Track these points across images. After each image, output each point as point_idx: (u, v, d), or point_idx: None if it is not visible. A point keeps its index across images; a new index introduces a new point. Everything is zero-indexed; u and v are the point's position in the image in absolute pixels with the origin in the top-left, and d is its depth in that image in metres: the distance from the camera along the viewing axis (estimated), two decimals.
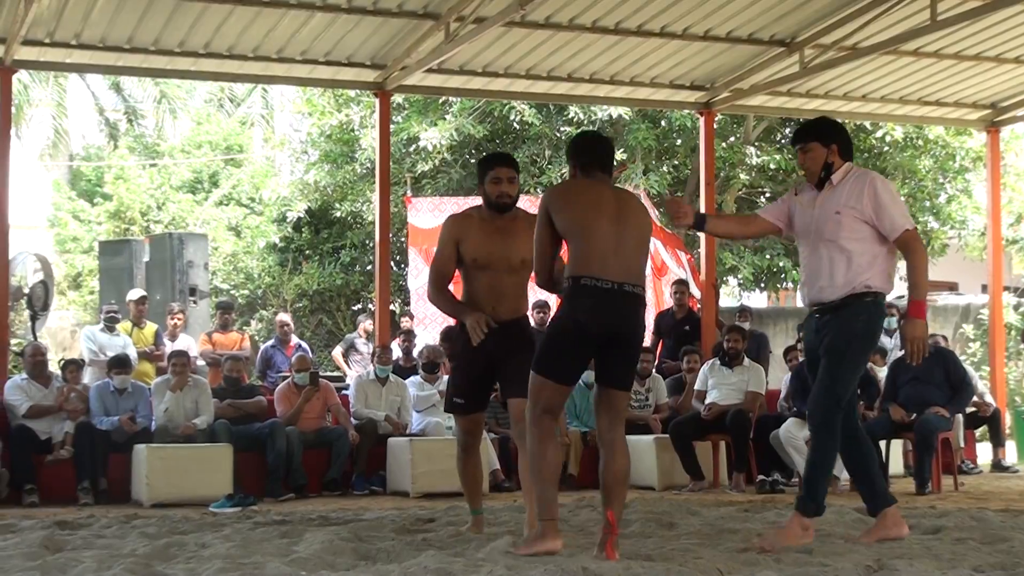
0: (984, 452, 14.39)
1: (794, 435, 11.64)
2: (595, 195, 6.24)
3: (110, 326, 13.56)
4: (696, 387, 12.59)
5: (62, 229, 26.50)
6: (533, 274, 6.54)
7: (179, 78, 23.38)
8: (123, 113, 31.59)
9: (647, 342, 14.12)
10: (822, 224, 6.62)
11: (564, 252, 6.35)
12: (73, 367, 12.21)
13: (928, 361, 11.51)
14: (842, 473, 11.63)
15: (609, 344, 6.10)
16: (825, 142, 6.68)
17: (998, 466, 13.77)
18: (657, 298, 17.31)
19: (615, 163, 6.71)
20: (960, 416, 12.53)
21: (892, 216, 6.53)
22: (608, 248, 6.09)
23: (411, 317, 16.03)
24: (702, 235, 15.27)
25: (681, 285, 14.87)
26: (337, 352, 16.14)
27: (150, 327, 14.15)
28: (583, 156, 6.42)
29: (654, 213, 18.73)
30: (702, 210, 15.17)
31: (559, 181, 18.54)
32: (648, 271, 18.05)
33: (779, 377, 13.42)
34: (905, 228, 6.55)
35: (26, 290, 15.83)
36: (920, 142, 19.68)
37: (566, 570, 5.27)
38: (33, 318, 15.80)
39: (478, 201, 18.06)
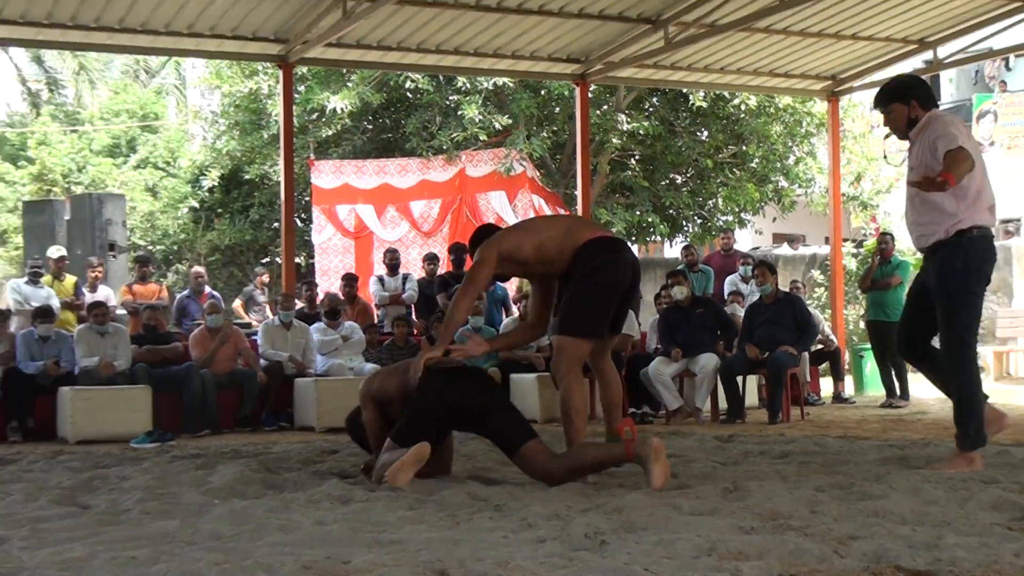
0: (826, 386, 14.68)
1: (661, 372, 11.79)
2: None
3: (34, 279, 13.38)
4: None
5: None
6: None
7: (95, 51, 22.98)
8: (44, 83, 31.02)
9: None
10: (910, 178, 6.31)
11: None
12: (1, 317, 11.99)
13: (778, 305, 11.76)
14: (705, 404, 11.84)
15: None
16: (904, 99, 6.35)
17: (838, 398, 14.04)
18: None
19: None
20: (806, 354, 12.76)
21: (942, 144, 6.04)
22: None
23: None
24: (579, 193, 15.34)
25: None
26: (237, 304, 16.00)
27: (70, 280, 14.01)
28: None
29: (535, 174, 18.80)
30: (578, 168, 15.27)
31: (448, 147, 18.50)
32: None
33: (648, 320, 13.54)
34: (948, 147, 5.98)
35: None
36: (772, 110, 19.90)
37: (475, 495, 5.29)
38: None
39: (376, 163, 17.99)
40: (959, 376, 6.34)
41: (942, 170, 5.92)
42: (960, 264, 6.20)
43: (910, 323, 6.62)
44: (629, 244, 6.29)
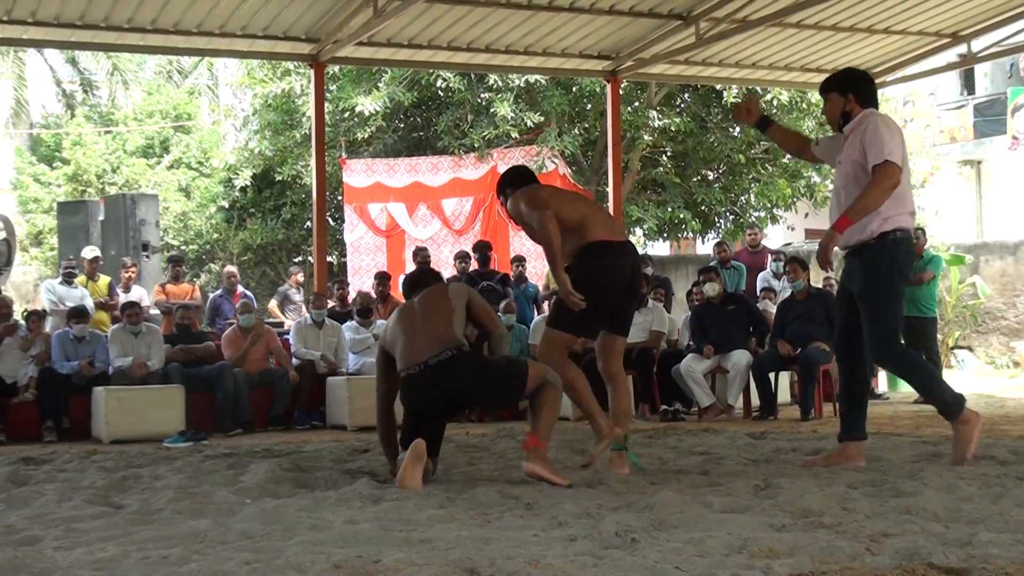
0: None
1: (693, 369, 11.76)
2: (403, 315, 6.52)
3: (68, 280, 13.47)
4: None
5: (24, 191, 26.21)
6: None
7: (129, 52, 23.02)
8: (79, 84, 31.20)
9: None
10: (836, 175, 6.50)
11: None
12: (36, 317, 12.10)
13: (810, 301, 11.71)
14: (737, 401, 11.80)
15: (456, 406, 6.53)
16: (842, 91, 6.44)
17: (871, 395, 13.93)
18: None
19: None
20: None
21: (872, 152, 6.17)
22: (414, 339, 6.32)
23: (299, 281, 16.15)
24: (610, 190, 15.34)
25: None
26: (273, 304, 16.08)
27: (103, 280, 14.12)
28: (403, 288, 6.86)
29: (567, 171, 18.79)
30: (609, 165, 15.26)
31: (479, 144, 18.50)
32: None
33: (680, 317, 13.52)
34: (875, 162, 6.14)
35: None
36: (804, 105, 19.81)
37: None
38: None
39: (408, 162, 18.06)
40: (904, 368, 6.55)
41: (844, 211, 6.15)
42: (885, 266, 6.29)
43: (843, 325, 6.63)
44: (633, 244, 6.23)
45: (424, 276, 6.94)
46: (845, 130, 6.43)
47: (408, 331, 6.39)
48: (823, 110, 6.65)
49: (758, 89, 18.96)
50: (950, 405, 6.35)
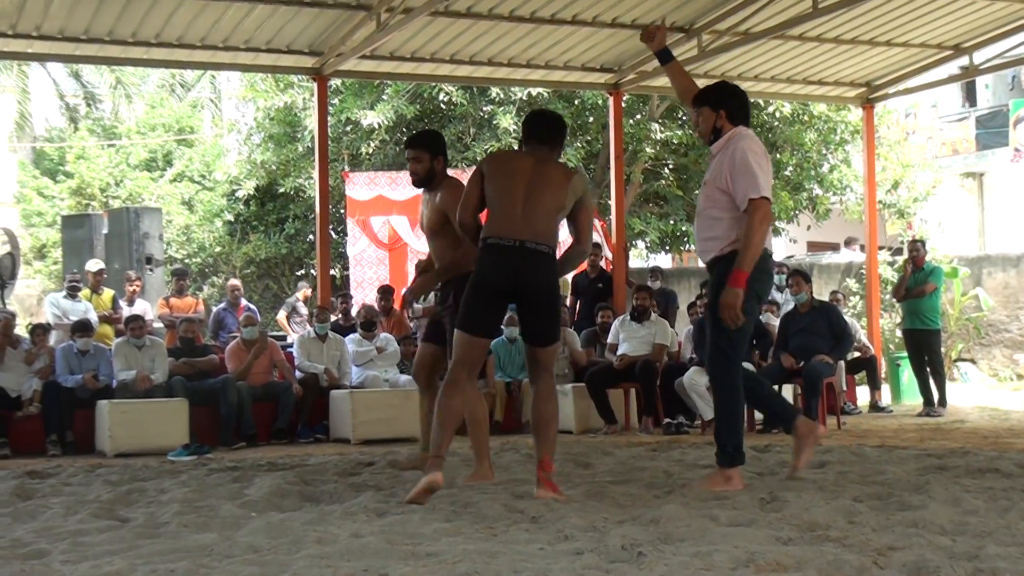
0: (863, 395, 14.59)
1: (697, 382, 11.74)
2: (517, 163, 6.31)
3: (72, 293, 13.48)
4: (608, 340, 12.66)
5: (27, 205, 26.27)
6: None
7: (133, 65, 23.06)
8: (82, 98, 31.28)
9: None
10: (701, 195, 6.47)
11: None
12: (40, 331, 12.09)
13: (814, 314, 11.71)
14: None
15: (516, 298, 6.10)
16: (715, 107, 6.39)
17: (875, 407, 13.96)
18: None
19: (550, 133, 6.54)
20: (842, 363, 12.70)
21: (740, 187, 6.14)
22: (515, 210, 6.08)
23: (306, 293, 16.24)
24: (612, 203, 15.35)
25: (595, 248, 14.95)
26: (281, 315, 16.07)
27: (108, 293, 14.13)
28: (523, 131, 6.56)
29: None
30: (612, 178, 15.29)
31: (482, 158, 18.54)
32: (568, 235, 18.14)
33: (683, 330, 13.51)
34: (749, 198, 6.10)
35: None
36: (806, 117, 19.84)
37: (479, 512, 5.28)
38: (1, 287, 15.61)
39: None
40: (721, 392, 6.38)
41: (737, 266, 6.07)
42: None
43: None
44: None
45: (560, 132, 6.60)
46: (713, 148, 6.41)
47: (512, 195, 6.15)
48: (694, 122, 6.61)
49: (760, 102, 19.02)
50: (728, 455, 6.28)
